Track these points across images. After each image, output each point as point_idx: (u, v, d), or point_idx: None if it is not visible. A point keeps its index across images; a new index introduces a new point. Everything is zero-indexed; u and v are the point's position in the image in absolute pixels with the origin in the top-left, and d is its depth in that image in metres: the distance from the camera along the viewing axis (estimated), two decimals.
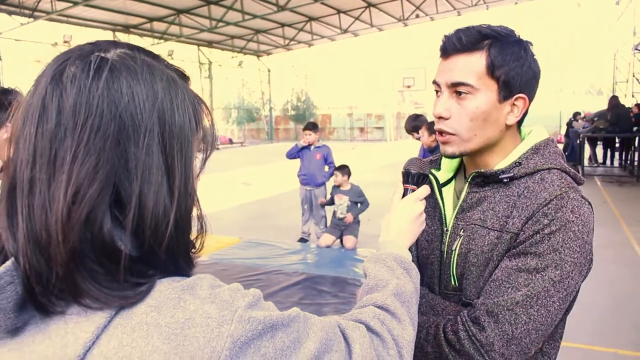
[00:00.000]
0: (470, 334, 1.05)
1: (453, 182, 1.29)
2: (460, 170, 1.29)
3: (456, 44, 1.12)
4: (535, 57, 1.16)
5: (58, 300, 0.61)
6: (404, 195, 1.16)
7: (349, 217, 6.47)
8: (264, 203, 10.56)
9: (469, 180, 1.20)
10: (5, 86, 2.11)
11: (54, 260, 0.59)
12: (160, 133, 0.65)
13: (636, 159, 12.92)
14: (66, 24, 20.09)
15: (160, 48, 22.21)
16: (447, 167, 1.30)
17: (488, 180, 1.17)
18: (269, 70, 34.76)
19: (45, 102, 0.61)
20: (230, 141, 32.50)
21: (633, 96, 19.84)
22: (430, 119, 5.78)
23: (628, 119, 12.20)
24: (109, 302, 0.61)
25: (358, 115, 37.75)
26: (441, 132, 1.16)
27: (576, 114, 16.29)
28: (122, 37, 21.98)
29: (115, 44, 0.68)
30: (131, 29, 22.26)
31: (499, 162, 1.18)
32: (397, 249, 1.05)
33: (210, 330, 0.60)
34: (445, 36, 1.16)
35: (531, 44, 1.16)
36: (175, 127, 0.67)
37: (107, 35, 21.57)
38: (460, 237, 1.18)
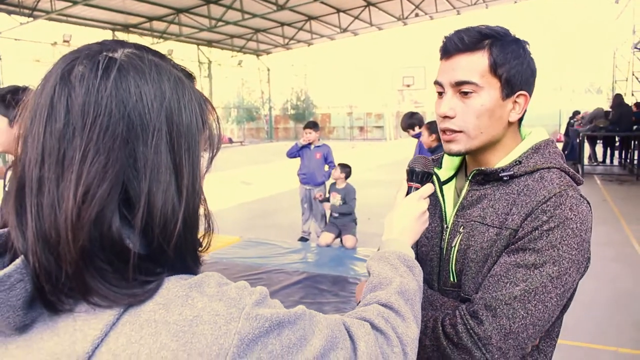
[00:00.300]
0: (468, 327, 1.06)
1: (454, 180, 1.31)
2: (461, 168, 1.32)
3: (458, 44, 1.14)
4: (532, 55, 1.19)
5: (67, 298, 0.62)
6: (408, 193, 1.17)
7: (319, 195, 6.67)
8: (264, 202, 10.57)
9: (469, 178, 1.22)
10: (6, 85, 2.12)
11: (63, 259, 0.60)
12: (168, 132, 0.66)
13: (636, 157, 12.93)
14: (66, 24, 20.07)
15: (159, 47, 22.12)
16: (449, 166, 1.32)
17: (488, 178, 1.19)
18: (268, 70, 34.75)
19: (53, 101, 0.62)
20: (230, 140, 32.50)
21: (633, 95, 19.85)
22: (429, 118, 5.78)
23: (630, 118, 12.19)
24: (118, 300, 0.61)
25: (358, 115, 37.76)
26: (446, 131, 1.18)
27: (576, 113, 16.30)
28: (122, 36, 21.96)
29: (122, 43, 0.69)
30: (131, 29, 22.24)
31: (500, 160, 1.20)
32: (401, 246, 1.05)
33: (218, 328, 0.61)
34: (446, 37, 1.18)
35: (528, 44, 1.19)
36: (182, 127, 0.67)
37: (106, 35, 21.55)
38: (460, 234, 1.20)
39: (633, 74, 21.36)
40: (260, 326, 0.63)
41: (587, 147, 14.57)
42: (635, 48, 20.00)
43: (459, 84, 1.14)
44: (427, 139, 5.31)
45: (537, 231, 1.06)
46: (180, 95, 0.68)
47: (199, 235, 0.73)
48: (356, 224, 6.70)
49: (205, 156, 0.73)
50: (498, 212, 1.14)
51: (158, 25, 22.05)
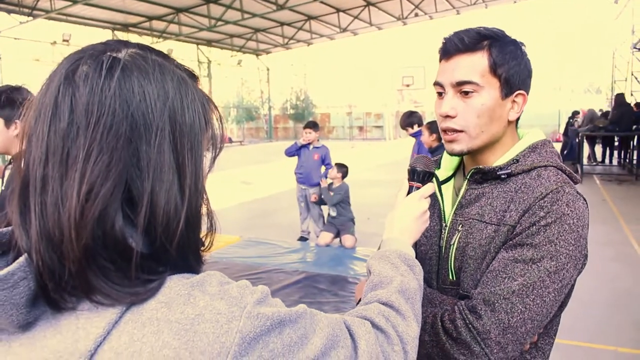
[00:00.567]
0: (467, 322, 1.07)
1: (452, 180, 1.33)
2: (459, 168, 1.34)
3: (458, 45, 1.16)
4: (527, 56, 1.21)
5: (70, 296, 0.62)
6: (409, 193, 1.18)
7: (314, 197, 6.70)
8: (263, 202, 10.58)
9: (467, 177, 1.24)
10: (3, 85, 2.13)
11: (67, 257, 0.60)
12: (171, 132, 0.66)
13: (635, 157, 12.94)
14: (65, 23, 20.06)
15: (159, 47, 21.90)
16: (447, 166, 1.34)
17: (486, 176, 1.20)
18: (268, 69, 34.75)
19: (57, 101, 0.62)
20: (230, 140, 32.49)
21: (632, 95, 19.86)
22: (429, 117, 5.79)
23: (630, 118, 12.19)
24: (120, 299, 0.61)
25: (357, 114, 37.75)
26: (447, 131, 1.19)
27: (575, 113, 16.31)
28: (121, 35, 21.95)
29: (126, 44, 0.69)
30: (130, 28, 22.23)
31: (497, 160, 1.22)
32: (401, 246, 1.06)
33: (219, 326, 0.61)
34: (445, 38, 1.20)
35: (524, 45, 1.21)
36: (185, 126, 0.68)
37: (106, 34, 21.55)
38: (458, 232, 1.21)
39: (632, 74, 21.36)
40: (261, 325, 0.63)
41: (586, 147, 14.59)
42: (635, 48, 20.00)
43: (460, 84, 1.15)
44: (427, 138, 5.31)
45: (534, 227, 1.08)
46: (183, 95, 0.69)
47: (201, 235, 0.73)
48: (354, 223, 6.72)
49: (207, 156, 0.73)
50: (496, 209, 1.16)
51: (158, 24, 22.04)
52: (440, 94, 1.21)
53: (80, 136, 0.61)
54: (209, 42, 27.41)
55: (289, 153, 6.99)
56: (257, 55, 31.62)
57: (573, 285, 1.15)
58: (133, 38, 21.85)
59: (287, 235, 7.38)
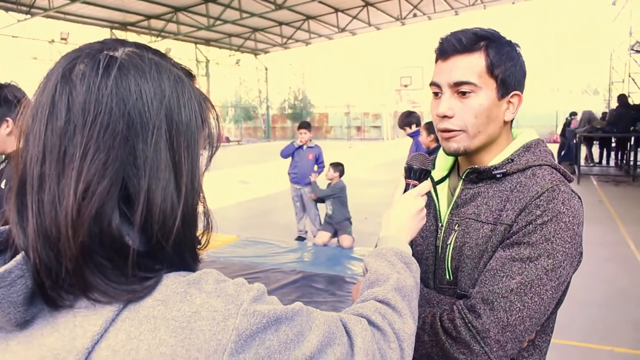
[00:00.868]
0: (467, 321, 1.08)
1: (447, 180, 1.33)
2: (454, 168, 1.34)
3: (456, 45, 1.16)
4: (522, 57, 1.22)
5: (67, 294, 0.62)
6: (405, 190, 1.18)
7: (313, 176, 6.71)
8: (261, 201, 10.57)
9: (463, 177, 1.24)
10: (2, 82, 2.12)
11: (64, 255, 0.60)
12: (168, 130, 0.66)
13: (632, 158, 12.96)
14: (63, 21, 20.03)
15: (157, 46, 22.04)
16: (442, 166, 1.34)
17: (482, 176, 1.21)
18: (266, 69, 34.74)
19: (54, 99, 0.63)
20: (228, 139, 32.50)
21: (629, 96, 19.87)
22: (427, 118, 5.81)
23: (628, 119, 12.21)
24: (117, 296, 0.62)
25: (355, 114, 37.78)
26: (444, 131, 1.19)
27: (573, 114, 16.34)
28: (120, 34, 21.91)
29: (123, 42, 0.69)
30: (128, 27, 22.21)
31: (492, 159, 1.23)
32: (398, 243, 1.06)
33: (216, 324, 0.61)
34: (442, 38, 1.20)
35: (519, 46, 1.22)
36: (182, 125, 0.68)
37: (104, 33, 21.53)
38: (455, 232, 1.21)
39: (630, 76, 21.40)
40: (257, 322, 0.64)
41: (583, 148, 14.62)
42: (632, 50, 20.03)
43: (457, 84, 1.15)
44: (425, 139, 5.32)
45: (531, 225, 1.08)
46: (179, 93, 0.69)
47: (197, 233, 0.74)
48: (351, 223, 6.73)
49: (204, 154, 0.74)
50: (492, 209, 1.17)
51: (156, 23, 22.02)
52: (436, 94, 1.21)
53: (77, 134, 0.61)
54: (207, 42, 27.39)
55: (286, 155, 7.01)
56: (256, 54, 31.61)
57: (569, 283, 1.16)
58: (131, 37, 21.82)
59: (285, 234, 7.38)
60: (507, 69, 1.16)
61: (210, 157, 0.75)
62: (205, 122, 0.73)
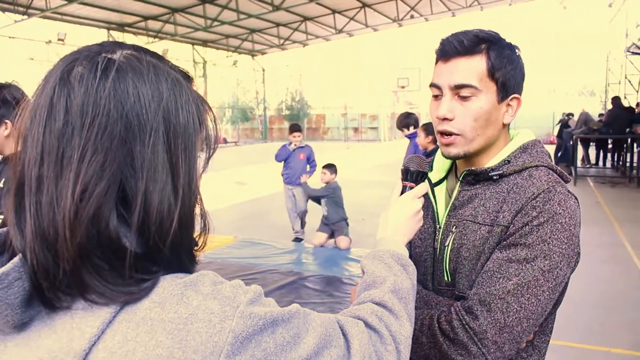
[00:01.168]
0: (464, 322, 1.08)
1: (445, 181, 1.33)
2: (451, 170, 1.34)
3: (457, 47, 1.15)
4: (522, 60, 1.22)
5: (64, 295, 0.62)
6: (402, 192, 1.18)
7: (304, 177, 6.79)
8: (258, 202, 10.57)
9: (460, 178, 1.24)
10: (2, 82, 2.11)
11: (61, 257, 0.61)
12: (165, 132, 0.66)
13: (628, 160, 13.01)
14: (60, 22, 19.99)
15: (155, 47, 22.12)
16: (439, 168, 1.34)
17: (479, 178, 1.21)
18: (263, 70, 34.73)
19: (53, 101, 0.63)
20: (225, 140, 32.44)
21: (625, 97, 19.93)
22: (424, 119, 5.82)
23: (624, 121, 12.26)
24: (114, 298, 0.62)
25: (352, 115, 37.77)
26: (444, 134, 1.19)
27: (569, 115, 16.40)
28: (117, 35, 21.90)
29: (121, 45, 0.70)
30: (126, 28, 22.18)
31: (490, 161, 1.23)
32: (395, 245, 1.06)
33: (212, 326, 0.61)
34: (444, 39, 1.19)
35: (519, 48, 1.22)
36: (179, 127, 0.68)
37: (101, 34, 21.50)
38: (452, 234, 1.22)
39: (626, 77, 21.48)
40: (254, 324, 0.64)
41: (580, 149, 14.66)
42: (628, 51, 20.11)
43: (458, 87, 1.15)
44: (423, 140, 5.33)
45: (527, 226, 1.09)
46: (177, 95, 0.69)
47: (194, 235, 0.74)
48: (348, 224, 6.73)
49: (202, 156, 0.74)
50: (489, 210, 1.17)
51: (153, 24, 22.00)
52: (436, 96, 1.20)
53: (75, 136, 0.62)
54: (204, 43, 27.38)
55: (281, 159, 7.12)
56: (253, 55, 31.61)
57: (567, 283, 1.17)
58: (128, 38, 21.83)
59: (282, 235, 7.38)
60: (507, 72, 1.16)
61: (207, 159, 0.75)
62: (203, 124, 0.73)
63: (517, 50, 1.20)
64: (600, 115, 16.51)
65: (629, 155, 12.95)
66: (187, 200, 0.69)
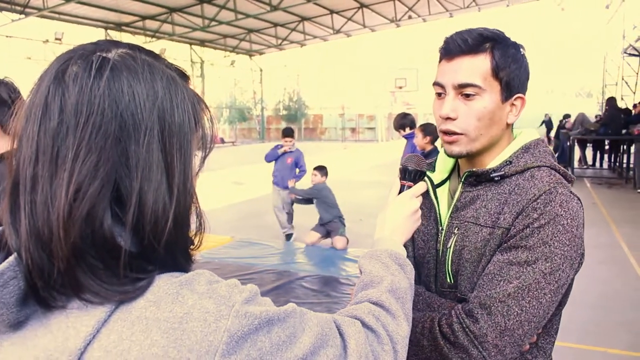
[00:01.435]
0: (464, 326, 1.07)
1: (447, 182, 1.32)
2: (454, 171, 1.32)
3: (461, 46, 1.14)
4: (527, 59, 1.20)
5: (59, 294, 0.62)
6: (400, 191, 1.17)
7: (292, 182, 6.98)
8: (255, 202, 10.56)
9: (462, 179, 1.23)
10: None
11: (56, 256, 0.60)
12: (160, 131, 0.66)
13: (625, 161, 13.04)
14: (58, 21, 19.96)
15: (152, 46, 22.06)
16: (442, 169, 1.32)
17: (480, 179, 1.20)
18: (261, 70, 34.74)
19: (47, 100, 0.63)
20: (222, 140, 32.43)
21: (622, 99, 20.00)
22: (421, 119, 5.82)
23: (620, 122, 12.29)
24: (109, 297, 0.62)
25: (350, 116, 37.84)
26: (447, 133, 1.18)
27: (566, 116, 16.44)
28: (115, 35, 21.88)
29: (116, 44, 0.69)
30: (123, 27, 22.16)
31: (492, 161, 1.22)
32: (392, 245, 1.05)
33: (207, 325, 0.61)
34: (448, 38, 1.17)
35: (523, 47, 1.20)
36: (174, 126, 0.68)
37: (99, 33, 21.47)
38: (454, 235, 1.21)
39: (623, 79, 21.53)
40: (249, 324, 0.64)
41: (577, 150, 14.69)
42: (625, 53, 20.17)
43: (462, 86, 1.14)
44: (420, 140, 5.31)
45: (528, 229, 1.08)
46: (173, 94, 0.69)
47: (190, 234, 0.74)
48: (344, 224, 6.74)
49: (198, 155, 0.74)
50: (490, 212, 1.16)
51: (151, 24, 21.99)
52: (439, 95, 1.19)
53: (69, 136, 0.61)
54: (202, 42, 27.37)
55: (270, 159, 7.31)
56: (251, 55, 31.60)
57: (571, 284, 1.15)
58: (126, 37, 21.80)
59: (279, 235, 7.38)
60: (511, 71, 1.14)
61: (203, 158, 0.75)
62: (199, 123, 0.73)
63: (522, 50, 1.18)
64: (597, 116, 16.56)
65: (625, 156, 12.98)
66: (182, 199, 0.69)
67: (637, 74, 20.71)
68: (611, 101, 13.22)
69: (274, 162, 7.31)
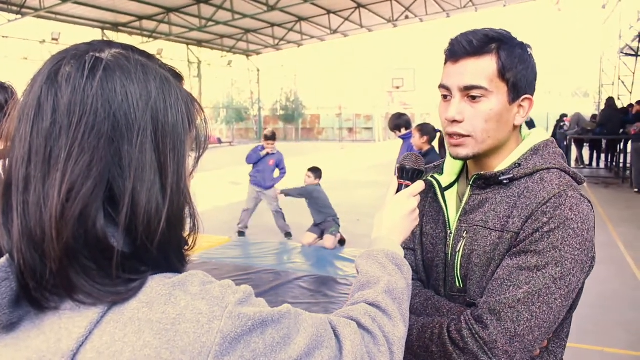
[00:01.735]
0: (474, 332, 1.06)
1: (456, 185, 1.29)
2: (462, 173, 1.30)
3: (467, 47, 1.12)
4: (534, 59, 1.18)
5: (52, 295, 0.62)
6: (398, 191, 1.15)
7: (276, 191, 7.16)
8: None
9: (471, 183, 1.21)
10: None
11: (48, 256, 0.60)
12: (154, 132, 0.66)
13: (621, 160, 13.07)
14: (54, 22, 19.92)
15: (149, 47, 22.08)
16: (450, 171, 1.30)
17: (489, 182, 1.18)
18: (258, 70, 34.71)
19: (40, 101, 0.62)
20: (219, 141, 32.41)
21: (619, 99, 20.03)
22: (418, 120, 5.82)
23: (617, 121, 12.31)
24: (102, 298, 0.61)
25: (347, 116, 37.84)
26: (453, 136, 1.16)
27: (563, 116, 16.47)
28: (111, 35, 21.83)
29: (109, 44, 0.69)
30: (120, 27, 22.12)
31: (501, 163, 1.20)
32: (390, 245, 1.04)
33: (200, 326, 0.61)
34: (453, 39, 1.16)
35: (530, 47, 1.18)
36: (168, 126, 0.68)
37: (95, 33, 21.43)
38: (463, 239, 1.19)
39: (619, 78, 21.57)
40: (243, 325, 0.64)
41: (574, 150, 14.72)
42: (622, 53, 20.21)
43: (468, 89, 1.12)
44: (418, 140, 5.30)
45: (538, 233, 1.06)
46: (166, 95, 0.68)
47: (184, 234, 0.73)
48: (337, 223, 6.75)
49: (192, 156, 0.73)
50: (500, 215, 1.14)
51: (148, 24, 21.95)
52: (445, 97, 1.17)
53: (62, 136, 0.61)
54: (199, 43, 27.33)
55: (251, 162, 7.48)
56: (248, 56, 31.57)
57: (582, 288, 1.13)
58: (123, 37, 21.77)
59: (277, 236, 7.38)
60: (518, 72, 1.12)
61: (197, 159, 0.74)
62: (193, 124, 0.72)
63: (529, 50, 1.16)
64: (594, 116, 16.58)
65: (622, 156, 13.00)
66: (175, 199, 0.68)
67: (634, 73, 20.76)
68: (610, 101, 13.24)
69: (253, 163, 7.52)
